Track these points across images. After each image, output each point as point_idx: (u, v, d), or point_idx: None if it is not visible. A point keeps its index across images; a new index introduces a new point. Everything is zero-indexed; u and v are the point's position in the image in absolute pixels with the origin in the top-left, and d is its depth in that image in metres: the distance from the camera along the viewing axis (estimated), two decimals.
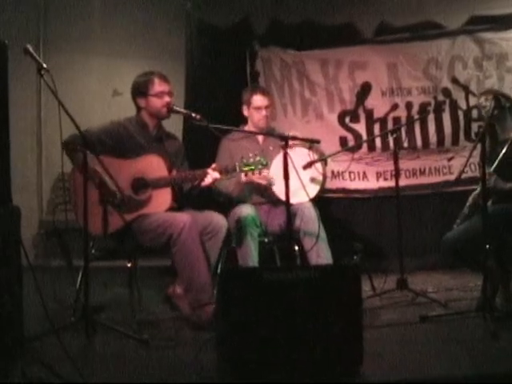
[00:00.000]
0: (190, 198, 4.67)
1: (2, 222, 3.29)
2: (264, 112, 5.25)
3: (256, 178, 4.88)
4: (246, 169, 4.41)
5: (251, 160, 4.40)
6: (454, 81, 6.38)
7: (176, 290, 4.43)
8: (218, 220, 4.48)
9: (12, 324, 3.33)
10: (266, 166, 4.47)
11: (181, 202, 4.58)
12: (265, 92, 5.40)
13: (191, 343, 3.81)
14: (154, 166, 4.42)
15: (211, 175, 4.42)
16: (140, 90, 4.57)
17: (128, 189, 4.33)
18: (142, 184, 4.37)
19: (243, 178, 4.93)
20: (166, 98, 4.54)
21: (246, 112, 5.34)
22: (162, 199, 4.39)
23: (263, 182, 4.97)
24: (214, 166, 4.50)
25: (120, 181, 4.17)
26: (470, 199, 4.73)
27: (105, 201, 4.16)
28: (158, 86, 4.54)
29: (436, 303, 4.65)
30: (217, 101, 6.43)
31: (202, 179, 4.43)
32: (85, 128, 4.11)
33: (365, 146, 6.54)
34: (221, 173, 4.46)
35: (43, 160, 7.29)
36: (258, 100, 5.28)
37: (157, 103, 4.53)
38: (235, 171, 4.46)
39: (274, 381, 3.16)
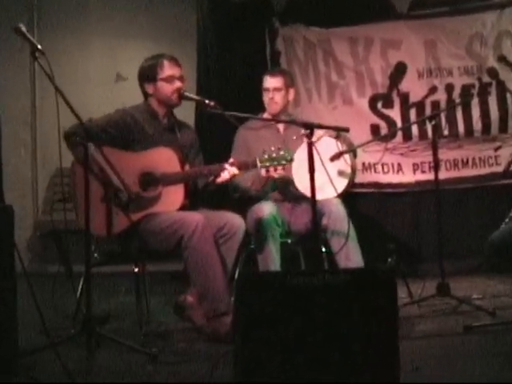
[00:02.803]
0: (204, 195, 4.67)
1: None
2: (270, 95, 5.27)
3: (275, 173, 4.91)
4: (268, 164, 4.39)
5: (274, 154, 4.38)
6: (502, 59, 6.33)
7: (188, 299, 4.42)
8: (234, 221, 4.47)
9: (5, 337, 3.35)
10: (291, 161, 4.46)
11: (194, 199, 4.57)
12: (275, 73, 5.42)
13: (205, 357, 3.81)
14: (164, 159, 4.42)
15: (229, 171, 4.41)
16: (148, 74, 4.57)
17: (135, 185, 4.33)
18: (151, 180, 4.37)
19: (263, 172, 4.93)
20: (177, 83, 4.53)
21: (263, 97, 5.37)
22: (174, 197, 4.38)
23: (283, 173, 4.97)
24: (231, 160, 4.50)
25: (127, 176, 4.16)
26: None
27: (109, 199, 4.17)
28: (167, 69, 4.54)
29: (482, 311, 4.62)
30: (233, 86, 6.46)
31: (219, 175, 4.43)
32: (85, 117, 4.12)
33: (399, 134, 6.52)
34: (240, 168, 4.46)
35: (38, 153, 7.33)
36: (266, 81, 5.34)
37: (167, 89, 4.53)
38: (256, 167, 4.45)
39: None
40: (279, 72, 5.50)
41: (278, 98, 5.28)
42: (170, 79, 4.52)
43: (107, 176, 4.12)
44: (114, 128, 4.44)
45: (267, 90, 5.30)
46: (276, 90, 5.28)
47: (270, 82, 5.31)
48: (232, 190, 5.11)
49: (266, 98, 5.31)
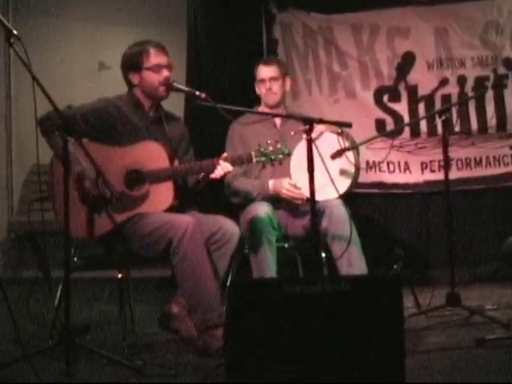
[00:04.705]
0: (195, 193, 4.66)
1: None
2: (267, 85, 5.28)
3: (286, 192, 4.97)
4: (264, 158, 4.39)
5: (270, 148, 4.37)
6: None
7: (174, 309, 4.42)
8: (227, 227, 4.45)
9: None
10: (288, 155, 4.46)
11: (184, 199, 4.56)
12: (270, 61, 5.44)
13: (194, 371, 3.80)
14: (152, 155, 4.39)
15: (222, 166, 4.40)
16: (132, 63, 4.54)
17: (121, 183, 4.32)
18: (137, 177, 4.35)
19: (270, 186, 4.99)
20: (165, 73, 4.51)
21: (257, 89, 5.38)
22: (162, 196, 4.36)
23: (295, 202, 5.00)
24: (224, 155, 4.48)
25: (111, 173, 4.17)
26: None
27: (86, 200, 4.14)
28: (153, 57, 4.51)
29: (496, 323, 4.62)
30: (226, 76, 6.45)
31: (211, 171, 4.41)
32: (65, 106, 4.11)
33: (407, 130, 6.53)
34: (233, 163, 4.44)
35: (14, 148, 7.32)
36: (261, 71, 5.35)
37: (153, 79, 4.50)
38: (251, 161, 4.44)
39: None
40: (273, 60, 5.52)
41: (276, 88, 5.29)
42: (156, 68, 4.50)
43: (82, 175, 4.11)
44: (96, 117, 4.41)
45: (263, 80, 5.31)
46: (273, 79, 5.29)
47: (266, 71, 5.32)
48: (232, 194, 5.14)
49: (262, 89, 5.33)
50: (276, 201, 5.09)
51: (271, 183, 5.08)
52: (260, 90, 5.35)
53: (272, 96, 5.29)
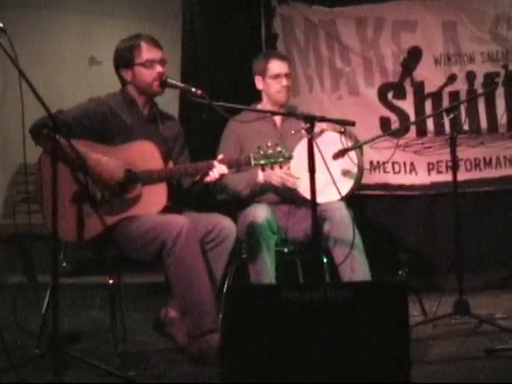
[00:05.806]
0: (190, 196, 4.65)
1: None
2: (285, 81, 5.23)
3: (277, 178, 4.90)
4: (264, 162, 4.36)
5: (270, 151, 4.35)
6: None
7: (170, 313, 4.41)
8: (224, 224, 4.44)
9: None
10: (289, 159, 4.44)
11: (179, 201, 4.56)
12: (284, 56, 5.41)
13: (189, 381, 3.80)
14: (145, 155, 4.39)
15: (218, 169, 4.39)
16: (123, 59, 4.53)
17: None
18: (130, 178, 4.35)
19: (260, 176, 4.93)
20: (158, 68, 4.50)
21: (260, 85, 5.33)
22: (155, 198, 4.36)
23: (288, 184, 4.97)
24: (221, 157, 4.47)
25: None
26: None
27: (81, 198, 4.14)
28: (145, 52, 4.50)
29: (506, 333, 4.61)
30: (223, 73, 6.45)
31: (206, 173, 4.41)
32: (54, 106, 4.09)
33: (413, 129, 6.53)
34: (230, 166, 4.43)
35: None
36: (276, 66, 5.27)
37: (145, 75, 4.50)
38: (249, 165, 4.42)
39: None
40: (285, 55, 5.51)
41: (290, 84, 5.26)
42: (148, 64, 4.48)
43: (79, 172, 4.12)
44: (89, 120, 4.41)
45: (279, 76, 5.23)
46: (288, 76, 5.25)
47: (282, 67, 5.26)
48: (217, 191, 5.08)
49: (275, 85, 5.24)
50: (271, 191, 5.09)
51: (260, 173, 5.01)
52: (271, 86, 5.26)
53: (286, 93, 5.24)
